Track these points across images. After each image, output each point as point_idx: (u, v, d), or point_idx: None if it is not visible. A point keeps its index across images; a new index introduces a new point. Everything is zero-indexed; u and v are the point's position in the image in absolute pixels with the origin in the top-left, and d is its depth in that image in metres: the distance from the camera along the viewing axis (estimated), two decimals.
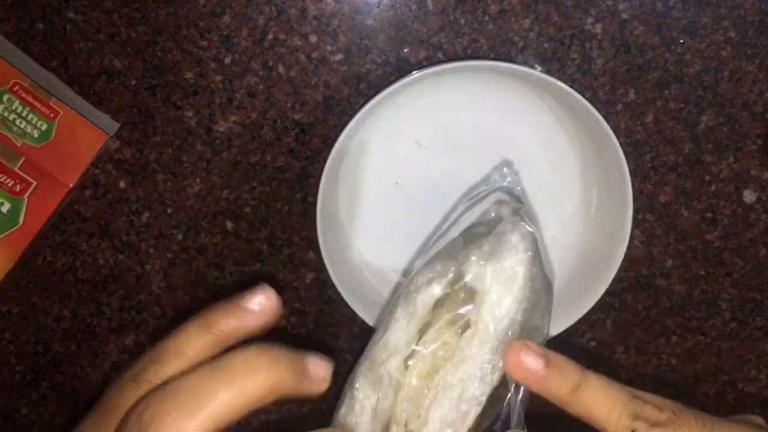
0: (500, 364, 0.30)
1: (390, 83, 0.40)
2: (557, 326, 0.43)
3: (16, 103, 0.42)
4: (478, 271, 0.30)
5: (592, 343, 0.50)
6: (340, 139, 0.40)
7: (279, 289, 0.49)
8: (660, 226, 0.48)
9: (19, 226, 0.43)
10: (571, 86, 0.40)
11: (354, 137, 0.42)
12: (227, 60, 0.44)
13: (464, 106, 0.44)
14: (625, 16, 0.44)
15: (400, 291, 0.32)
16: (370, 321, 0.43)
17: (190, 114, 0.45)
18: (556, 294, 0.43)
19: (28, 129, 0.43)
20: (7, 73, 0.43)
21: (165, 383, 0.25)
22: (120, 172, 0.46)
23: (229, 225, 0.47)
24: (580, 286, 0.45)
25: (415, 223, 0.45)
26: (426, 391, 0.30)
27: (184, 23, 0.43)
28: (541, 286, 0.32)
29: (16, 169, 0.43)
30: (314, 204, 0.42)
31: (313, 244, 0.47)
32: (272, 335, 0.50)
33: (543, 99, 0.44)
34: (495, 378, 0.30)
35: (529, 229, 0.31)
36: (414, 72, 0.40)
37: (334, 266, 0.42)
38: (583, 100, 0.40)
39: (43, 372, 0.49)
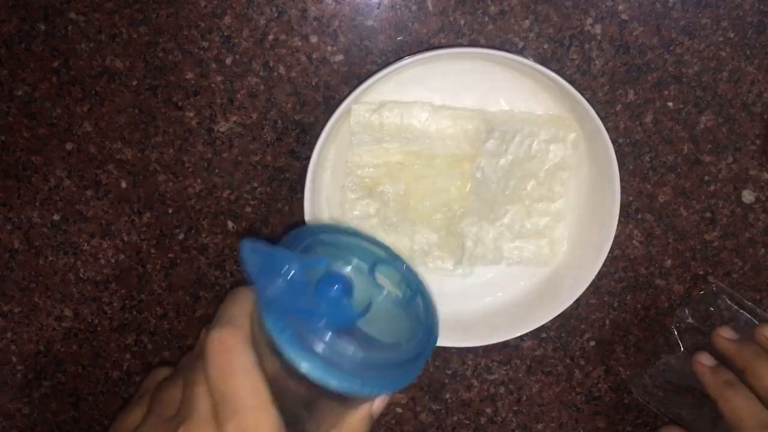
0: None
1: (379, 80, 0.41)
2: (547, 315, 0.44)
3: None
4: None
5: (592, 343, 0.50)
6: (322, 136, 0.40)
7: None
8: (659, 226, 0.48)
9: None
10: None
11: (338, 131, 0.43)
12: (228, 60, 0.44)
13: (450, 94, 0.44)
14: (624, 16, 0.44)
15: None
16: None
17: (191, 114, 0.45)
18: (545, 285, 0.45)
19: None
20: None
21: None
22: (121, 172, 0.46)
23: (230, 225, 0.47)
24: (568, 278, 0.45)
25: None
26: None
27: (185, 24, 0.44)
28: None
29: None
30: None
31: None
32: None
33: (527, 84, 0.44)
34: None
35: None
36: (394, 63, 0.40)
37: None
38: (570, 86, 0.40)
39: (44, 371, 0.49)
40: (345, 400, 0.30)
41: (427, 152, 0.43)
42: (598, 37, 0.45)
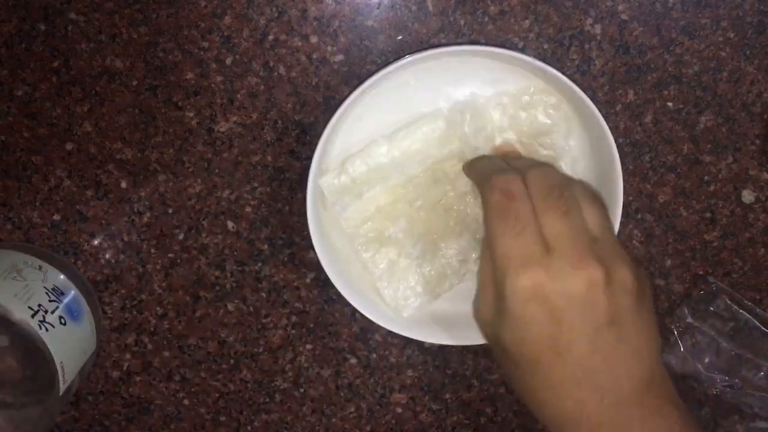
0: None
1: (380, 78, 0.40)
2: None
3: None
4: None
5: None
6: (325, 134, 0.40)
7: (279, 289, 0.50)
8: (659, 226, 0.48)
9: None
10: None
11: (339, 131, 0.43)
12: (228, 61, 0.44)
13: (446, 94, 0.44)
14: (624, 17, 0.44)
15: None
16: (372, 317, 0.43)
17: (192, 114, 0.45)
18: None
19: None
20: None
21: None
22: (121, 172, 0.46)
23: (230, 225, 0.47)
24: None
25: None
26: None
27: (185, 24, 0.44)
28: None
29: None
30: None
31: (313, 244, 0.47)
32: (272, 331, 0.51)
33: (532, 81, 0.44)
34: None
35: None
36: (393, 62, 0.40)
37: (331, 265, 0.42)
38: (572, 85, 0.40)
39: None
40: None
41: (406, 177, 0.43)
42: (598, 37, 0.45)
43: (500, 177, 0.36)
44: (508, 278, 0.33)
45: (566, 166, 0.44)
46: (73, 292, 0.44)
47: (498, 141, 0.44)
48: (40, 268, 0.43)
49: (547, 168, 0.37)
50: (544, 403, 0.35)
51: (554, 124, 0.43)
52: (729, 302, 0.48)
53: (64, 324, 0.42)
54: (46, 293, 0.42)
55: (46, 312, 0.41)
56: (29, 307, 0.40)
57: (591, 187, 0.38)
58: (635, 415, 0.34)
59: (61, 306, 0.42)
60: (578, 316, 0.33)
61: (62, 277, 0.44)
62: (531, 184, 0.35)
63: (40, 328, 0.40)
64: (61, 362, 0.40)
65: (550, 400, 0.35)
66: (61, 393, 0.41)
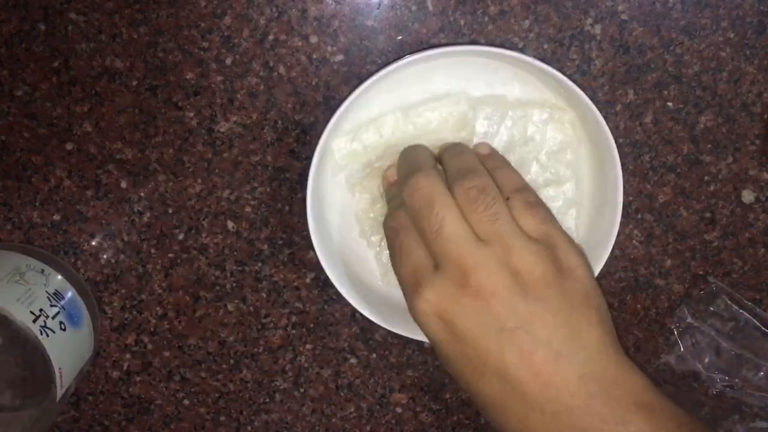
0: None
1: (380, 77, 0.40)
2: None
3: None
4: None
5: None
6: (324, 134, 0.40)
7: (279, 289, 0.50)
8: (659, 226, 0.48)
9: None
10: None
11: (340, 132, 0.43)
12: (228, 61, 0.44)
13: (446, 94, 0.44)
14: (624, 17, 0.44)
15: None
16: (372, 317, 0.43)
17: (191, 114, 0.45)
18: None
19: None
20: None
21: None
22: (121, 172, 0.46)
23: (230, 225, 0.47)
24: None
25: None
26: None
27: (185, 24, 0.44)
28: None
29: None
30: None
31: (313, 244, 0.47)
32: (272, 331, 0.51)
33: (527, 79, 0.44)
34: None
35: None
36: (393, 62, 0.40)
37: (331, 265, 0.42)
38: (571, 84, 0.40)
39: None
40: None
41: None
42: (598, 37, 0.45)
43: (387, 218, 0.38)
44: (408, 302, 0.34)
45: (572, 187, 0.44)
46: (73, 296, 0.44)
47: (513, 159, 0.44)
48: (43, 271, 0.43)
49: (435, 184, 0.36)
50: (495, 424, 0.33)
51: (572, 141, 0.43)
52: (729, 302, 0.48)
53: (64, 330, 0.42)
54: (48, 298, 0.42)
55: (47, 317, 0.41)
56: (31, 312, 0.40)
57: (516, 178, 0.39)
58: (589, 424, 0.30)
59: (62, 311, 0.42)
60: (476, 329, 0.32)
61: (63, 280, 0.44)
62: (409, 205, 0.36)
63: (41, 334, 0.40)
64: (60, 368, 0.40)
65: (496, 420, 0.33)
66: (58, 398, 0.41)
